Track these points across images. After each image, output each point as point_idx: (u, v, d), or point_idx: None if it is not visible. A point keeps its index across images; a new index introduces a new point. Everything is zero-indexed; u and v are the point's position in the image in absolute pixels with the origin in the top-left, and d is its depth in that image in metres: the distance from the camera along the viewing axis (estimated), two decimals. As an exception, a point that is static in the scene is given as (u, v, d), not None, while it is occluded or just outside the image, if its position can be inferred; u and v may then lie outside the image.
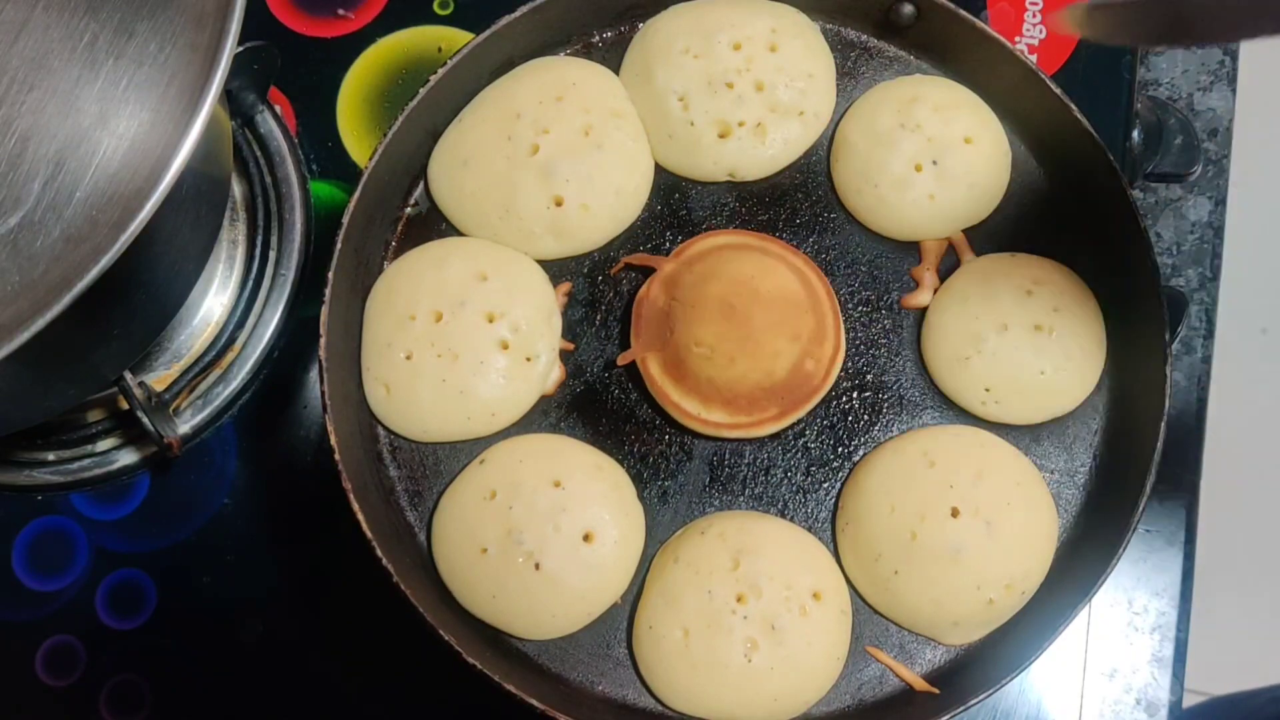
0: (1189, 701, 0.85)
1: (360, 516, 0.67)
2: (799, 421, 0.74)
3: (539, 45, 0.78)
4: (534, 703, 0.66)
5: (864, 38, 0.80)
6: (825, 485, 0.74)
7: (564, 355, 0.75)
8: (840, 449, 0.74)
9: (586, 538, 0.70)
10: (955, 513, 0.70)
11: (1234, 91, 0.89)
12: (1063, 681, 0.79)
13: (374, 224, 0.75)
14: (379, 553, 0.67)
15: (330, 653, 0.80)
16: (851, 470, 0.74)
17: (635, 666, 0.71)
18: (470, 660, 0.66)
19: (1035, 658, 0.68)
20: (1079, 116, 0.74)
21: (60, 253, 0.54)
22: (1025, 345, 0.73)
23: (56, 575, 0.81)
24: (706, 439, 0.74)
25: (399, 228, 0.77)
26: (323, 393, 0.69)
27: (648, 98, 0.77)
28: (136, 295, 0.66)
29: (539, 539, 0.69)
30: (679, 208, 0.77)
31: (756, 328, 0.70)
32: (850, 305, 0.76)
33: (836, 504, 0.73)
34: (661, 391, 0.72)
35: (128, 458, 0.81)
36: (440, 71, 0.74)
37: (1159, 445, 0.70)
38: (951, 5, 0.75)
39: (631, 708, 0.71)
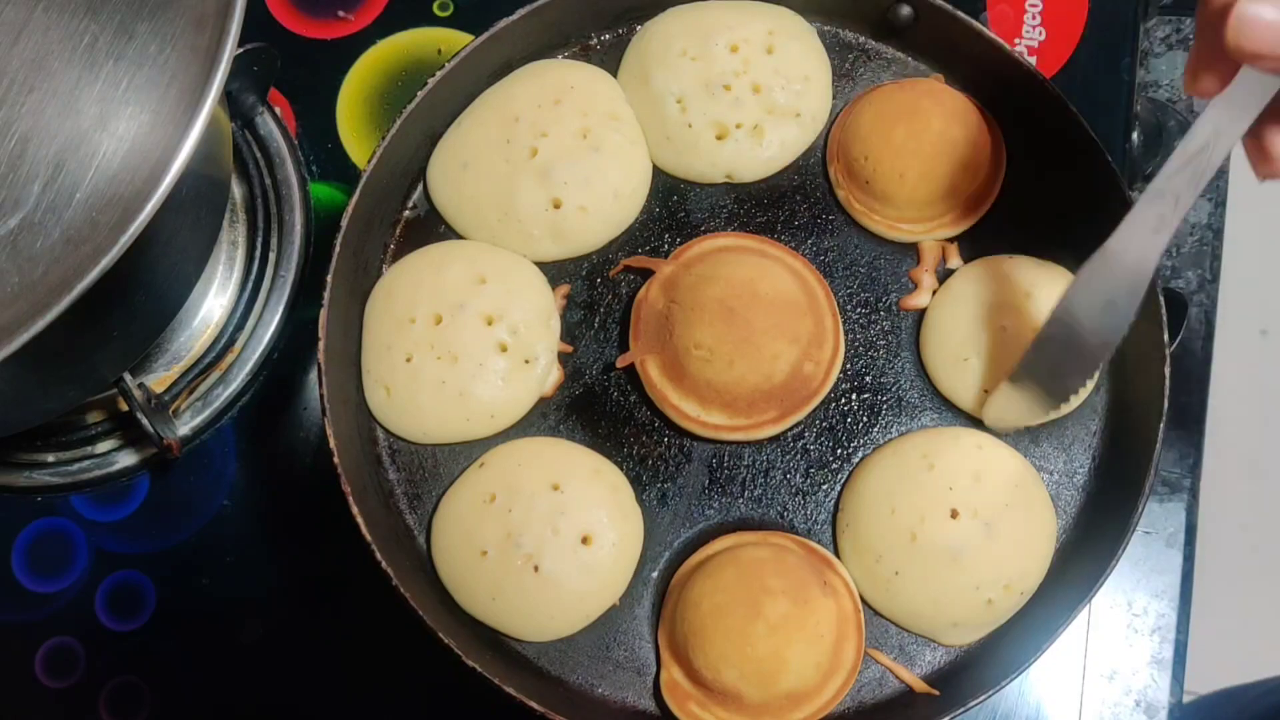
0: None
1: (359, 519, 0.67)
2: (798, 424, 0.74)
3: (537, 48, 0.78)
4: (534, 705, 0.66)
5: (862, 39, 0.80)
6: (824, 487, 0.74)
7: (563, 357, 0.75)
8: (839, 451, 0.74)
9: (585, 540, 0.70)
10: (954, 514, 0.70)
11: (1233, 93, 0.89)
12: (1062, 683, 0.79)
13: (373, 227, 0.75)
14: (378, 555, 0.67)
15: (330, 655, 0.80)
16: (851, 472, 0.74)
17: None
18: (470, 663, 0.66)
19: (1035, 659, 0.68)
20: (1079, 118, 0.74)
21: (60, 254, 0.54)
22: (1024, 347, 0.73)
23: (56, 577, 0.81)
24: (705, 441, 0.74)
25: (398, 230, 0.77)
26: (322, 395, 0.69)
27: (645, 100, 0.77)
28: (136, 297, 0.66)
29: (538, 542, 0.69)
30: (677, 210, 0.77)
31: (755, 330, 0.70)
32: (849, 307, 0.76)
33: (836, 506, 0.73)
34: (660, 394, 0.72)
35: (127, 459, 0.81)
36: (438, 74, 0.74)
37: (1159, 446, 0.70)
38: (950, 7, 0.75)
39: (631, 710, 0.71)
